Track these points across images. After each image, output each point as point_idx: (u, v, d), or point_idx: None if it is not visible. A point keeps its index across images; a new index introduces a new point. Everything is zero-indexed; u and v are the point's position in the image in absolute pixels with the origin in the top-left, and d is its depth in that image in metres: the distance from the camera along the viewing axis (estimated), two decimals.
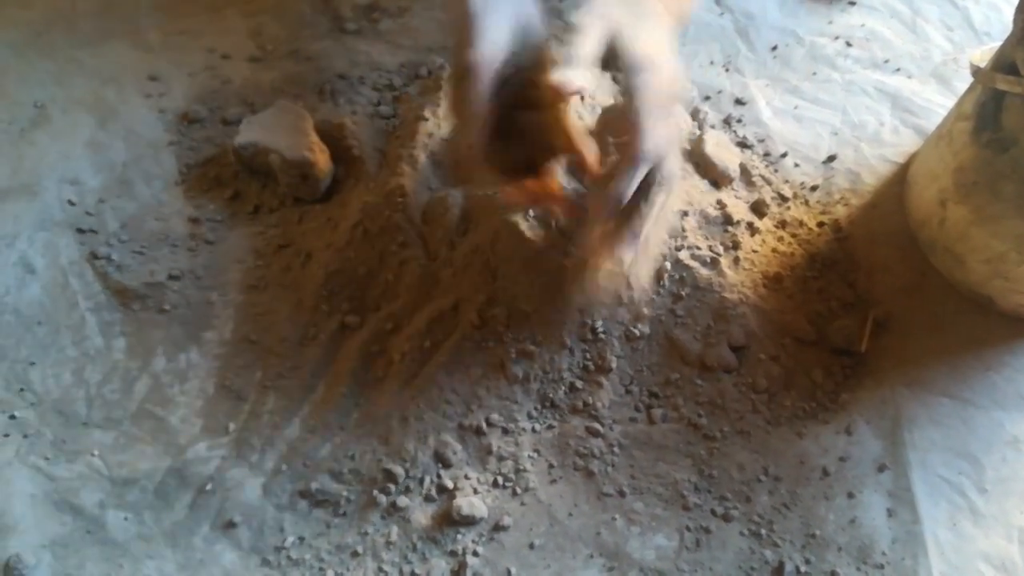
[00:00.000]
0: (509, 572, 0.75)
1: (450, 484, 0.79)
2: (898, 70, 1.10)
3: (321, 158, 0.93)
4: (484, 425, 0.81)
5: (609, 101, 0.92)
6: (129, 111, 1.02)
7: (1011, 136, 0.79)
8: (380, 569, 0.75)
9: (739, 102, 1.05)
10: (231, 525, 0.77)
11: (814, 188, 0.98)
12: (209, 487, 0.79)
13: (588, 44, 0.64)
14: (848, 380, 0.85)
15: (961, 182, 0.86)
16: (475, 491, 0.79)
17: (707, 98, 1.06)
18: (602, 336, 0.83)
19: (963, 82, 0.98)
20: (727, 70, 1.09)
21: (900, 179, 0.99)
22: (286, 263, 0.91)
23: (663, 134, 0.66)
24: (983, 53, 0.86)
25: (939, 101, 1.06)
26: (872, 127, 1.04)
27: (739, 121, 1.03)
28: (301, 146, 0.92)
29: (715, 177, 0.95)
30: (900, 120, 1.05)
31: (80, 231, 0.93)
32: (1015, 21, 0.78)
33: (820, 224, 0.94)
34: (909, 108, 1.06)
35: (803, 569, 0.75)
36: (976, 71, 0.82)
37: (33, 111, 1.01)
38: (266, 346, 0.87)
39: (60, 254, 0.91)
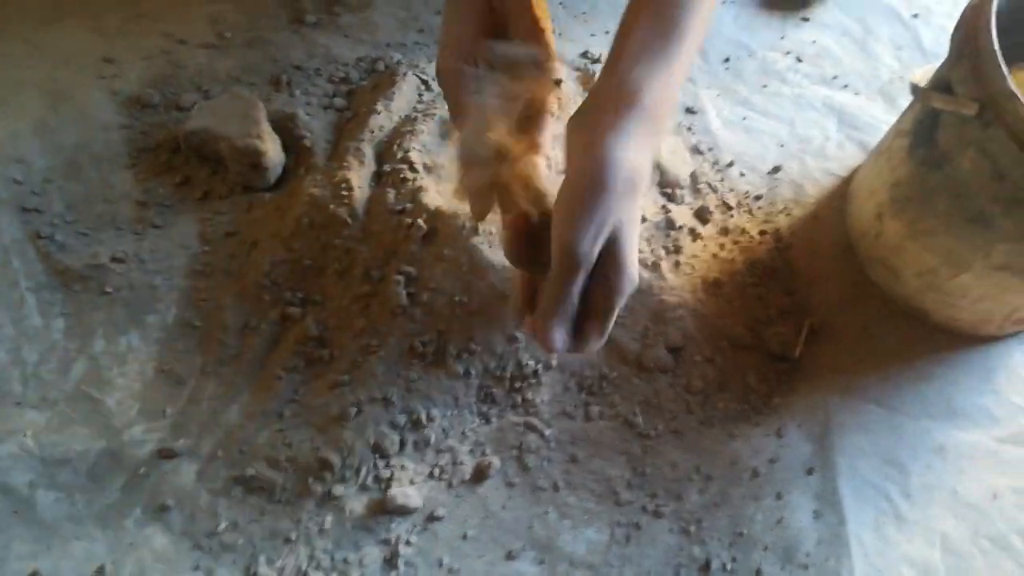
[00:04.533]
0: (441, 562, 0.75)
1: (387, 474, 0.79)
2: (846, 86, 1.13)
3: (271, 147, 0.93)
4: (423, 418, 0.82)
5: None
6: (82, 93, 1.01)
7: (945, 154, 0.82)
8: (312, 556, 0.75)
9: (690, 111, 1.07)
10: (164, 509, 0.76)
11: (758, 197, 1.00)
12: (143, 470, 0.78)
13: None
14: (781, 385, 0.87)
15: (897, 197, 0.88)
16: (411, 482, 0.79)
17: None
18: None
19: (908, 100, 1.01)
20: None
21: (842, 192, 1.02)
22: (232, 250, 0.91)
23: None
24: (924, 72, 0.89)
25: (884, 118, 1.09)
26: (818, 141, 1.07)
27: (689, 129, 1.05)
28: (251, 134, 0.92)
29: (664, 183, 0.97)
30: (845, 135, 1.08)
31: (25, 210, 0.92)
32: (951, 42, 0.81)
33: (762, 232, 0.97)
34: (854, 124, 1.09)
35: (729, 567, 0.77)
36: (915, 89, 0.85)
37: None
38: (208, 332, 0.87)
39: (3, 233, 0.90)
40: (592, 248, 0.59)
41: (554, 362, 0.67)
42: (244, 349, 0.86)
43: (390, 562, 0.75)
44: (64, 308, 0.87)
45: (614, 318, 0.62)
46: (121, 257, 0.90)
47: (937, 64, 0.86)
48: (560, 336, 0.60)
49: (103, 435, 0.80)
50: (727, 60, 1.14)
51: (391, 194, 0.89)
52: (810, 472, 0.82)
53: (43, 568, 0.72)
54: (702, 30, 0.68)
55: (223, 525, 0.76)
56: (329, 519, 0.77)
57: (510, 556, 0.76)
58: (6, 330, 0.85)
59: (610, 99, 0.62)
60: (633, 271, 0.61)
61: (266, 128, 0.94)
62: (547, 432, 0.82)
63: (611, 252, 0.60)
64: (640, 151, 0.61)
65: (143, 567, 0.73)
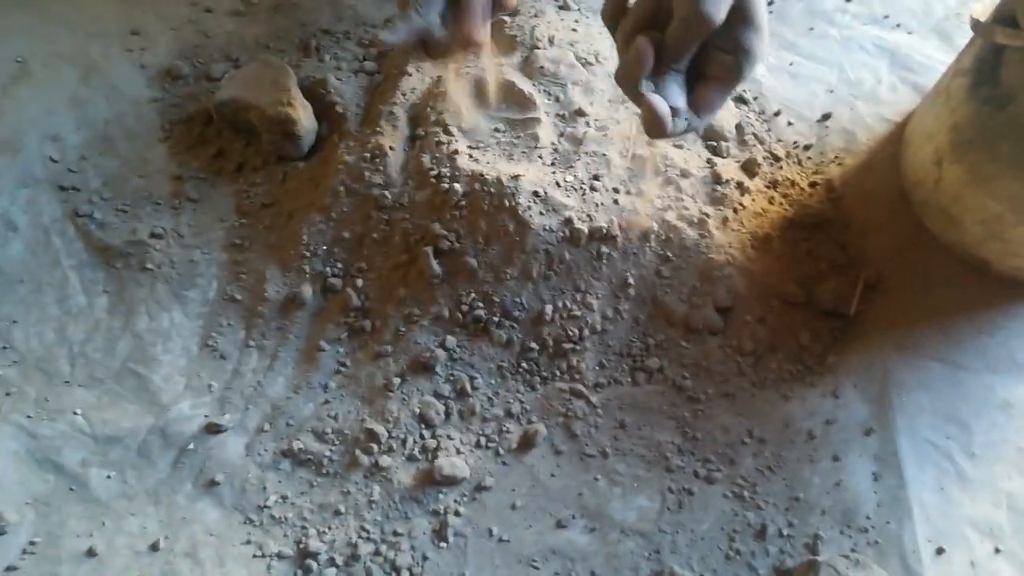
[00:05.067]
0: (491, 532, 0.75)
1: (433, 444, 0.78)
2: (898, 26, 1.07)
3: (303, 115, 0.91)
4: (468, 386, 0.81)
5: None
6: (111, 66, 1.00)
7: (1009, 92, 0.77)
8: (362, 528, 0.75)
9: None
10: (214, 484, 0.77)
11: (807, 147, 0.96)
12: (192, 446, 0.78)
13: None
14: (836, 342, 0.84)
15: (957, 140, 0.84)
16: (458, 451, 0.78)
17: None
18: (588, 299, 0.82)
19: (965, 38, 0.95)
20: None
21: (896, 138, 0.97)
22: (270, 222, 0.90)
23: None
24: (984, 7, 0.84)
25: (939, 58, 1.03)
26: (869, 85, 1.02)
27: None
28: (282, 103, 0.90)
29: (708, 135, 0.93)
30: (898, 77, 1.02)
31: (62, 188, 0.92)
32: None
33: (812, 184, 0.93)
34: (908, 65, 1.03)
35: (786, 532, 0.75)
36: (976, 24, 0.80)
37: (14, 66, 1.00)
38: (249, 305, 0.86)
39: (42, 212, 0.90)
40: (719, 8, 0.56)
41: (669, 127, 0.61)
42: (287, 321, 0.85)
43: (439, 533, 0.74)
44: (106, 286, 0.87)
45: (738, 86, 0.61)
46: (160, 233, 0.89)
47: None
48: (676, 92, 0.59)
49: (151, 411, 0.80)
50: (771, 3, 1.09)
51: (427, 158, 0.87)
52: (868, 433, 0.80)
53: (98, 544, 0.72)
54: None
55: (272, 499, 0.76)
56: (377, 490, 0.76)
57: (560, 525, 0.75)
58: (51, 310, 0.85)
59: None
60: (766, 31, 0.60)
61: (297, 95, 0.92)
62: (594, 398, 0.81)
63: (741, 9, 0.58)
64: None
65: (195, 542, 0.73)
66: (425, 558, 0.73)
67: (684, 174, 0.87)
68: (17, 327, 0.84)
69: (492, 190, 0.83)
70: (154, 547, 0.73)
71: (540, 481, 0.77)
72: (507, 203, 0.82)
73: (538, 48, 0.94)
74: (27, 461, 0.77)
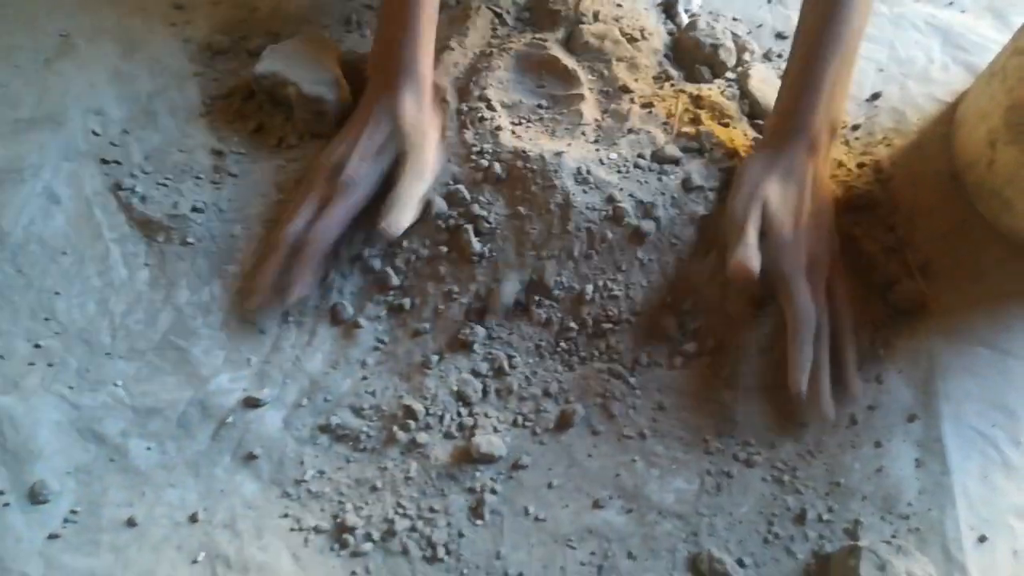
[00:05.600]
0: (527, 510, 0.74)
1: (470, 422, 0.78)
2: (951, 4, 1.04)
3: (343, 93, 0.91)
4: (506, 365, 0.80)
5: None
6: (154, 41, 1.01)
7: None
8: (399, 504, 0.75)
9: (780, 36, 1.01)
10: (252, 457, 0.77)
11: (856, 127, 0.94)
12: (231, 419, 0.79)
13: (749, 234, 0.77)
14: (881, 327, 0.82)
15: (1014, 121, 0.81)
16: (495, 430, 0.78)
17: (748, 32, 1.01)
18: (629, 279, 0.81)
19: (1021, 17, 0.93)
20: (769, 2, 1.05)
21: (948, 119, 0.94)
22: None
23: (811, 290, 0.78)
24: None
25: (994, 37, 1.00)
26: (920, 64, 0.99)
27: (780, 56, 0.99)
28: (320, 80, 0.90)
29: (757, 114, 0.92)
30: (951, 57, 1.00)
31: (104, 162, 0.92)
32: None
33: (860, 165, 0.91)
34: (961, 44, 1.00)
35: (825, 517, 0.74)
36: None
37: (58, 40, 1.00)
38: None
39: (85, 185, 0.91)
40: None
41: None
42: (325, 298, 0.85)
43: (475, 510, 0.74)
44: (147, 259, 0.88)
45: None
46: (200, 207, 0.90)
47: None
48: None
49: (191, 384, 0.81)
50: None
51: (469, 134, 0.86)
52: (912, 419, 0.78)
53: (138, 514, 0.73)
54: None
55: (310, 473, 0.76)
56: (414, 467, 0.76)
57: (597, 505, 0.75)
58: (93, 281, 0.86)
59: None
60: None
61: (337, 72, 0.92)
62: (632, 379, 0.80)
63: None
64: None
65: (234, 514, 0.74)
66: (461, 535, 0.73)
67: (731, 155, 0.85)
68: (59, 298, 0.85)
69: (534, 167, 0.82)
70: (193, 518, 0.74)
71: (577, 461, 0.77)
72: (549, 180, 0.81)
73: (582, 23, 0.93)
74: (69, 431, 0.78)
